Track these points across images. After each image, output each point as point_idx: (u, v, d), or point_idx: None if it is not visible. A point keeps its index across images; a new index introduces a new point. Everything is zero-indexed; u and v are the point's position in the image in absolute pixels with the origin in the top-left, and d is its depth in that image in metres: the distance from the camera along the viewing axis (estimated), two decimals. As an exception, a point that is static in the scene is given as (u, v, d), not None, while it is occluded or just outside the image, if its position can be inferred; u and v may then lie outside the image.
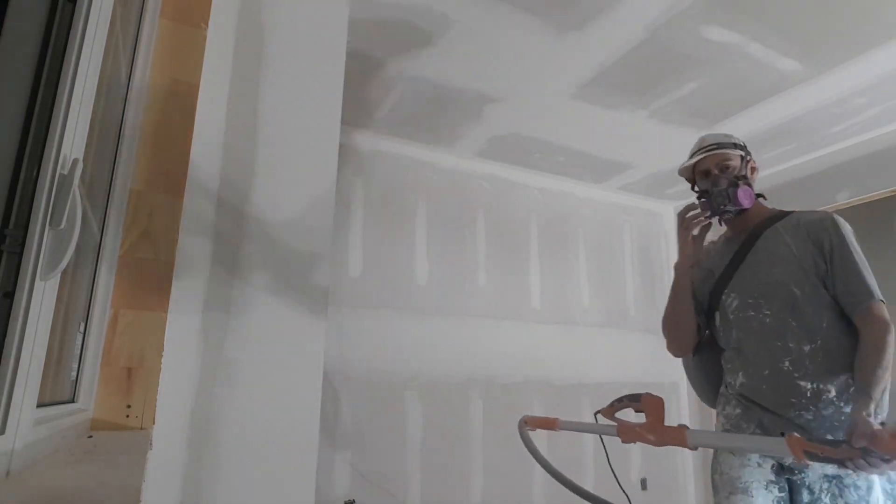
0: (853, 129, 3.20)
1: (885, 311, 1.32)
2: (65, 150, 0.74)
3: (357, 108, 3.02)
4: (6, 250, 0.67)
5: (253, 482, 1.20)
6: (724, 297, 1.52)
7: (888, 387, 1.26)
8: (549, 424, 1.40)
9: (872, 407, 1.19)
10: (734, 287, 1.51)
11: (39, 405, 0.84)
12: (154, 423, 1.12)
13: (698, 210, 1.53)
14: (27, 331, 0.69)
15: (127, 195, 1.50)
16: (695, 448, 1.16)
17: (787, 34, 2.34)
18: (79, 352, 1.32)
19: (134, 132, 1.50)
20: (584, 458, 3.57)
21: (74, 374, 1.31)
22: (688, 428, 1.17)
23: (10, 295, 0.68)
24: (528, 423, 1.44)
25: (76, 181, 0.74)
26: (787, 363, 1.36)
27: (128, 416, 1.44)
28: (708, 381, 1.60)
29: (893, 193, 3.21)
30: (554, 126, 3.22)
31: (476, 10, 2.21)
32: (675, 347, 1.63)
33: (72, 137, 0.76)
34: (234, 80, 1.37)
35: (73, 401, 1.28)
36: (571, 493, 1.25)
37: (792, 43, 2.41)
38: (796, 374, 1.34)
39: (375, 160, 3.38)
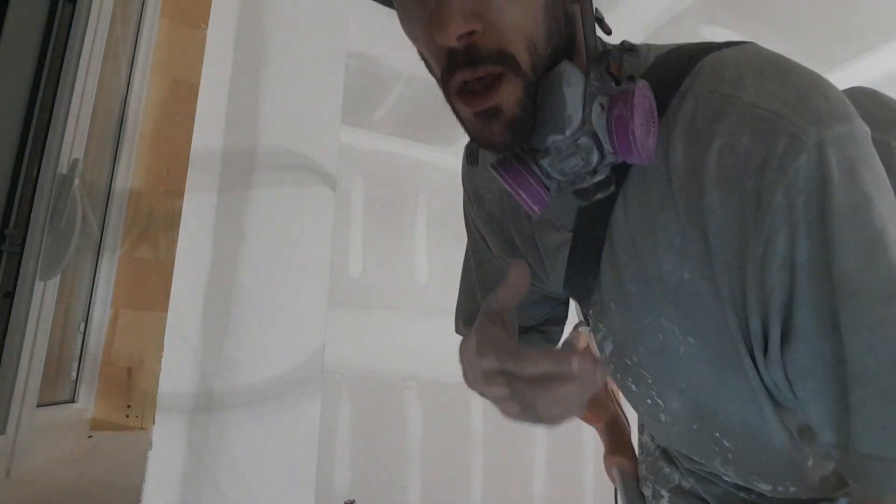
0: (853, 129, 3.21)
1: None
2: (65, 150, 0.74)
3: (357, 108, 3.02)
4: (6, 250, 0.67)
5: (253, 482, 1.20)
6: (591, 321, 0.63)
7: None
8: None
9: None
10: (600, 314, 0.60)
11: (39, 405, 0.84)
12: (154, 423, 1.12)
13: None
14: (27, 331, 0.70)
15: (127, 195, 1.50)
16: None
17: (787, 34, 2.34)
18: (79, 352, 1.32)
19: (134, 132, 1.51)
20: (585, 453, 3.57)
21: (74, 374, 1.31)
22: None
23: (10, 295, 0.68)
24: None
25: (76, 181, 0.74)
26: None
27: (128, 416, 1.44)
28: None
29: (893, 193, 3.21)
30: (554, 126, 3.22)
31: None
32: None
33: (72, 137, 0.76)
34: (234, 80, 1.38)
35: (73, 401, 1.28)
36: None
37: (792, 43, 2.41)
38: None
39: (375, 160, 3.38)
